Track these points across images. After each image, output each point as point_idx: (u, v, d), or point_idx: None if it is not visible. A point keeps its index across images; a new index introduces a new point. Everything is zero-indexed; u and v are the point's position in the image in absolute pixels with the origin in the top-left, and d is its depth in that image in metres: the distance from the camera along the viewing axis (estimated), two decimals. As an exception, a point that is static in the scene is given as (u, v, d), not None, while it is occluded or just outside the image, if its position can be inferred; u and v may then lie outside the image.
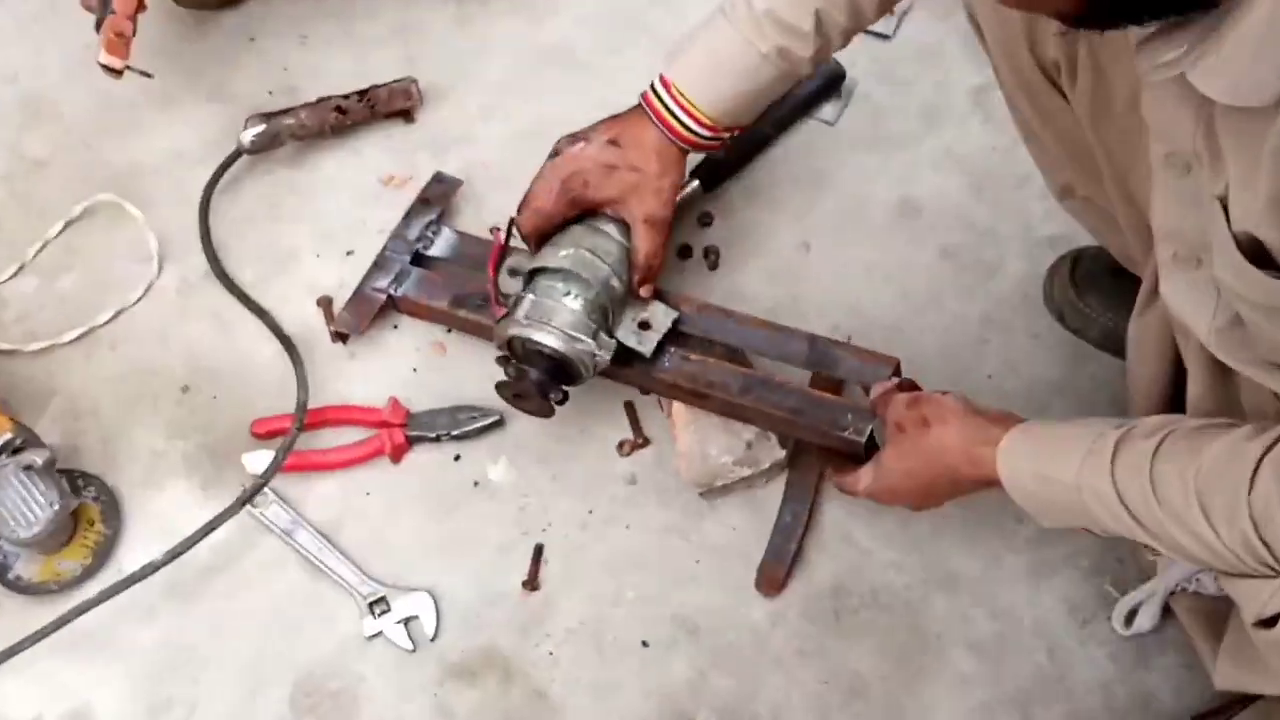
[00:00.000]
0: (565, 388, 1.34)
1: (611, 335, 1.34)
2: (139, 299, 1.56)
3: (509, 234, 1.38)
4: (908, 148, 1.62)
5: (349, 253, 1.58)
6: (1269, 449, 0.89)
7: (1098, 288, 1.44)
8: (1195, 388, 1.07)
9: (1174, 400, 1.14)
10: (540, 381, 1.31)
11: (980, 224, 1.56)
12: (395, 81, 1.65)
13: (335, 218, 1.61)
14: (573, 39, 1.74)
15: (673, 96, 1.30)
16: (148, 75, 1.56)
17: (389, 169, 1.64)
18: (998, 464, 1.09)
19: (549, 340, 1.30)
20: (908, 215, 1.57)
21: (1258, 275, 0.82)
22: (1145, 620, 1.30)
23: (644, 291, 1.37)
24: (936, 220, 1.56)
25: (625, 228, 1.36)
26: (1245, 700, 1.21)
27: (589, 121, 1.65)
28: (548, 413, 1.35)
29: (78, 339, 1.53)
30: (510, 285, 1.40)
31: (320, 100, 1.63)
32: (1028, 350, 1.47)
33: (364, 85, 1.65)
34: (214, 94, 1.72)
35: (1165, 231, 0.93)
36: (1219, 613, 1.18)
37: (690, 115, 1.30)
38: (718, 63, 1.28)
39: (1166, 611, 1.29)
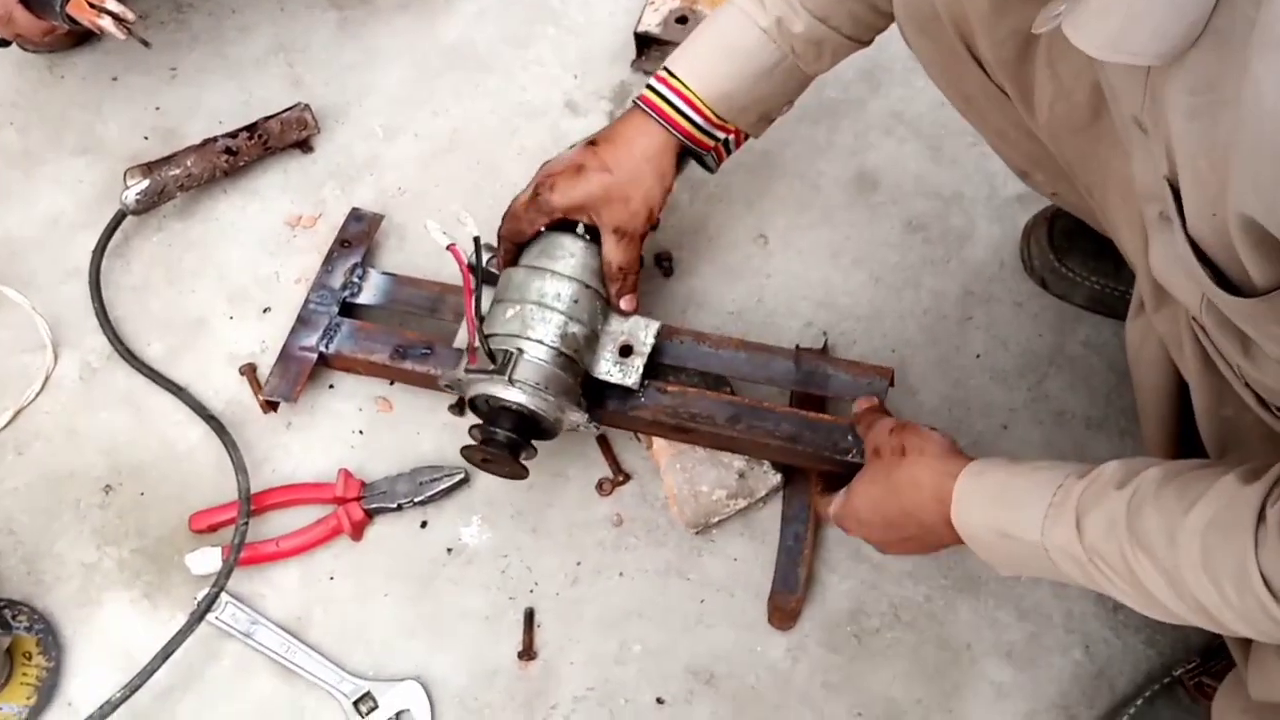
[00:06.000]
0: (538, 443, 1.22)
1: (586, 378, 1.23)
2: (38, 394, 1.40)
3: (479, 259, 1.20)
4: (853, 115, 1.51)
5: (266, 310, 1.43)
6: (1270, 491, 0.78)
7: (1079, 248, 1.36)
8: (1201, 398, 0.97)
9: (1184, 405, 1.04)
10: (511, 441, 1.19)
11: (943, 189, 1.46)
12: (286, 110, 1.49)
13: (244, 272, 1.46)
14: (473, 36, 1.59)
15: (668, 84, 1.20)
16: (146, 44, 1.34)
17: (294, 209, 1.49)
18: (952, 513, 0.99)
19: (513, 396, 1.17)
20: (865, 189, 1.47)
21: (1211, 286, 0.72)
22: None
23: (625, 304, 1.25)
24: (896, 191, 1.47)
25: (591, 246, 1.24)
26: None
27: (505, 129, 1.53)
28: (521, 474, 1.23)
29: (-24, 449, 1.37)
30: (462, 339, 1.27)
31: (206, 142, 1.46)
32: (1014, 321, 1.39)
33: (250, 116, 1.50)
34: (82, 146, 1.54)
35: (1145, 191, 0.83)
36: None
37: (687, 101, 1.19)
38: (717, 44, 1.19)
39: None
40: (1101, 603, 1.26)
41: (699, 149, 1.24)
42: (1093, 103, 0.91)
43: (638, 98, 1.22)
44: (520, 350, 1.17)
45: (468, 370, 1.19)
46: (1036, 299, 1.39)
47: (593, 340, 1.23)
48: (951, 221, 1.44)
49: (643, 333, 1.26)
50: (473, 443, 1.20)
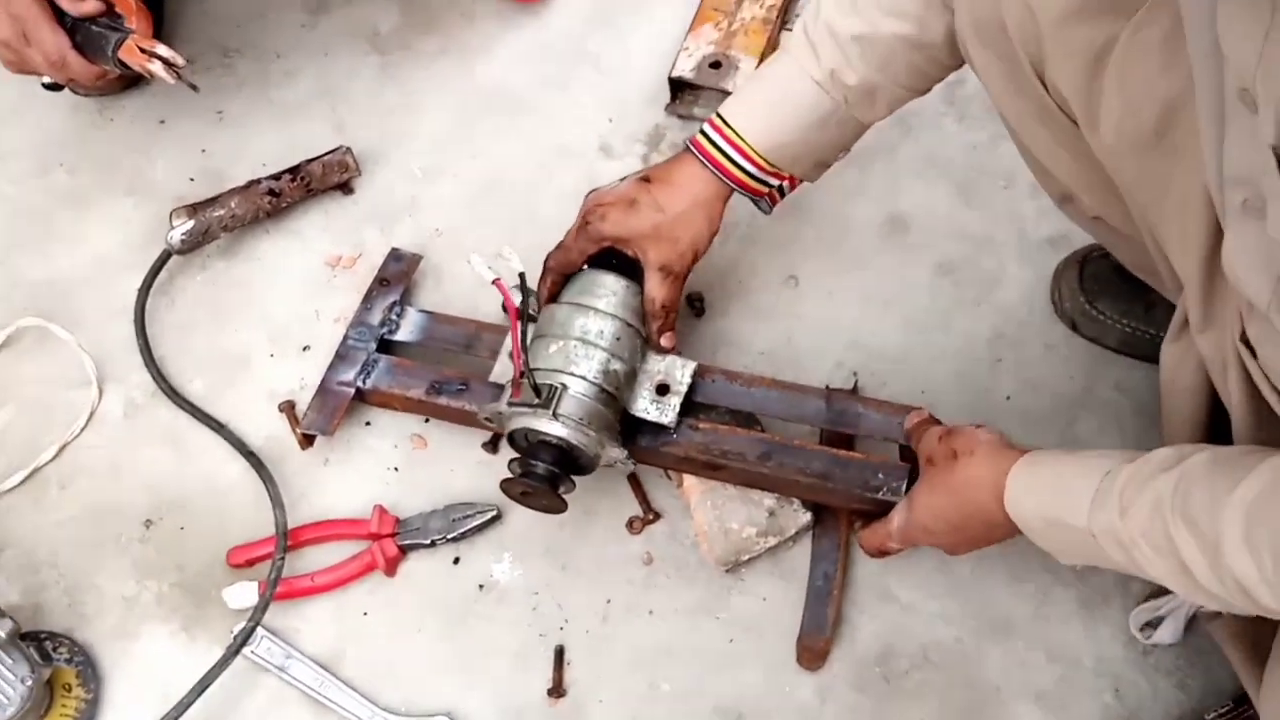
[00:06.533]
0: (574, 477, 1.24)
1: (623, 414, 1.25)
2: (83, 429, 1.43)
3: (524, 295, 1.23)
4: (885, 159, 1.53)
5: (305, 348, 1.46)
6: None
7: (1109, 291, 1.36)
8: (1241, 422, 0.98)
9: (1212, 436, 1.06)
10: (551, 474, 1.20)
11: (973, 232, 1.47)
12: (328, 153, 1.52)
13: (284, 311, 1.49)
14: (511, 79, 1.62)
15: (721, 133, 1.22)
16: (194, 88, 1.38)
17: (334, 250, 1.52)
18: (1006, 503, 1.03)
19: (557, 430, 1.19)
20: (896, 232, 1.48)
21: None
22: (1167, 634, 1.24)
23: (665, 341, 1.28)
24: (927, 234, 1.48)
25: (631, 285, 1.27)
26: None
27: (543, 171, 1.56)
28: (559, 508, 1.24)
29: (22, 483, 1.40)
30: (499, 374, 1.29)
31: (250, 184, 1.50)
32: (1044, 364, 1.39)
33: (293, 158, 1.53)
34: (131, 187, 1.58)
35: (1235, 176, 0.82)
36: (1263, 635, 1.10)
37: (739, 150, 1.22)
38: (769, 93, 1.21)
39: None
40: (1132, 645, 1.25)
41: (751, 195, 1.26)
42: (1160, 121, 0.92)
43: (690, 141, 1.25)
44: (564, 385, 1.19)
45: (510, 403, 1.21)
46: (1067, 342, 1.40)
47: (632, 378, 1.25)
48: (982, 264, 1.45)
49: (679, 372, 1.27)
50: (511, 476, 1.22)
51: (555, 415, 1.18)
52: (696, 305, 1.45)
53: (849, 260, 1.47)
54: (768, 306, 1.45)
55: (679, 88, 1.56)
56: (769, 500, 1.28)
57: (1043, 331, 1.41)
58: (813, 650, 1.26)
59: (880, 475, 1.21)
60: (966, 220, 1.48)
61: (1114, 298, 1.36)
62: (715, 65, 1.54)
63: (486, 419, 1.26)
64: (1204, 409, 1.05)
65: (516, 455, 1.22)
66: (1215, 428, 1.04)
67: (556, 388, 1.19)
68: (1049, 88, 0.99)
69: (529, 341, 1.24)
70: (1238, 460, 0.87)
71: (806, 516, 1.28)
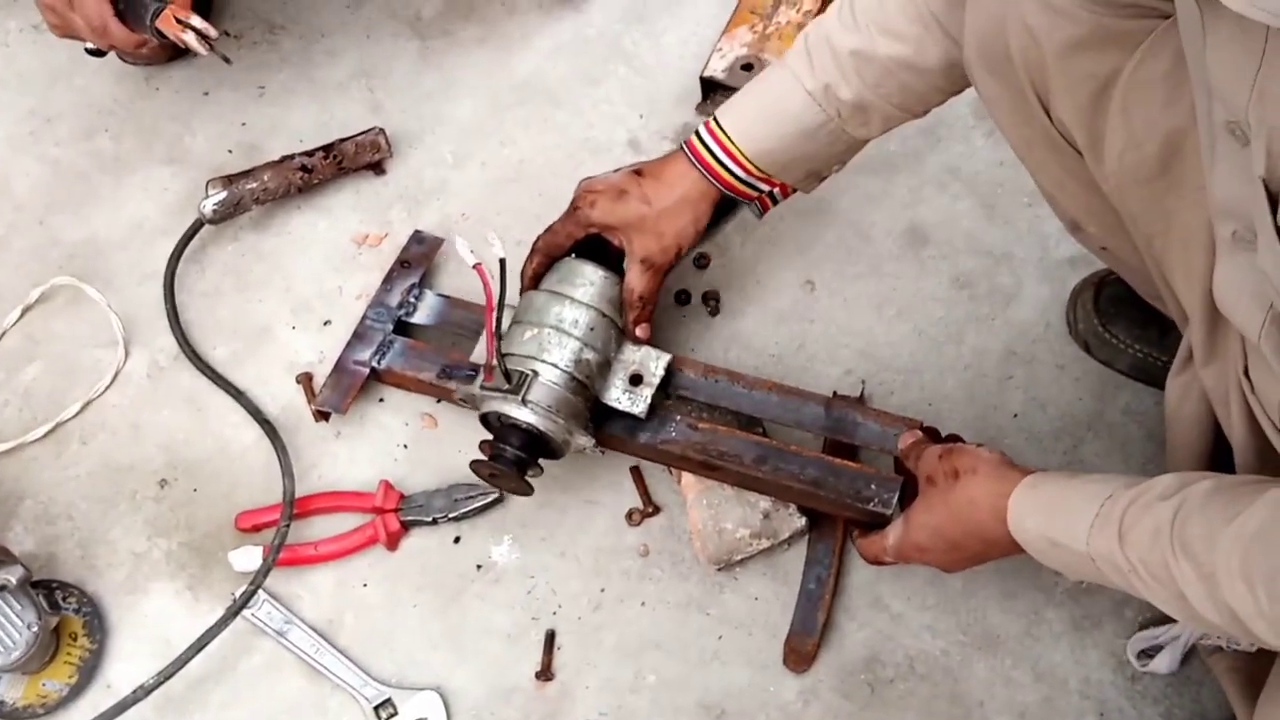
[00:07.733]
0: (543, 461, 1.27)
1: (595, 403, 1.27)
2: (107, 387, 1.47)
3: (504, 281, 1.22)
4: (910, 169, 1.53)
5: (326, 323, 1.49)
6: None
7: (1125, 316, 1.35)
8: (1243, 457, 0.98)
9: (1216, 467, 1.05)
10: (518, 459, 1.23)
11: (994, 247, 1.47)
12: (362, 133, 1.55)
13: (309, 285, 1.52)
14: (546, 71, 1.64)
15: (714, 135, 1.24)
16: (227, 60, 1.41)
17: (362, 228, 1.55)
18: (1009, 524, 1.03)
19: (525, 416, 1.22)
20: (916, 243, 1.48)
21: None
22: (1163, 663, 1.23)
23: (640, 332, 1.30)
24: (946, 246, 1.48)
25: (610, 275, 1.29)
26: None
27: (570, 163, 1.58)
28: (525, 491, 1.27)
29: (45, 436, 1.44)
30: (479, 355, 1.32)
31: (283, 159, 1.53)
32: (1055, 384, 1.39)
33: (329, 136, 1.56)
34: (170, 156, 1.62)
35: (1224, 207, 0.83)
36: (1261, 670, 1.09)
37: (728, 153, 1.23)
38: (763, 101, 1.22)
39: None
40: (1120, 670, 1.25)
41: (741, 198, 1.27)
42: (1163, 154, 0.92)
43: (685, 143, 1.26)
44: (535, 372, 1.22)
45: (483, 387, 1.24)
46: (1079, 363, 1.39)
47: (605, 368, 1.27)
48: (999, 280, 1.45)
49: (653, 363, 1.29)
50: (482, 458, 1.24)
51: (524, 401, 1.21)
52: (711, 304, 1.46)
53: (867, 268, 1.47)
54: (783, 309, 1.46)
55: (710, 88, 1.57)
56: (764, 503, 1.28)
57: (1055, 351, 1.40)
58: (799, 653, 1.26)
59: (872, 486, 1.22)
60: (987, 235, 1.48)
61: (1129, 322, 1.35)
62: (747, 67, 1.54)
63: (461, 400, 1.29)
64: (1208, 441, 1.05)
65: (488, 438, 1.25)
66: (1219, 459, 1.04)
67: (527, 374, 1.21)
68: (1054, 118, 0.99)
69: (508, 326, 1.27)
70: (1238, 491, 0.86)
71: (801, 521, 1.29)
